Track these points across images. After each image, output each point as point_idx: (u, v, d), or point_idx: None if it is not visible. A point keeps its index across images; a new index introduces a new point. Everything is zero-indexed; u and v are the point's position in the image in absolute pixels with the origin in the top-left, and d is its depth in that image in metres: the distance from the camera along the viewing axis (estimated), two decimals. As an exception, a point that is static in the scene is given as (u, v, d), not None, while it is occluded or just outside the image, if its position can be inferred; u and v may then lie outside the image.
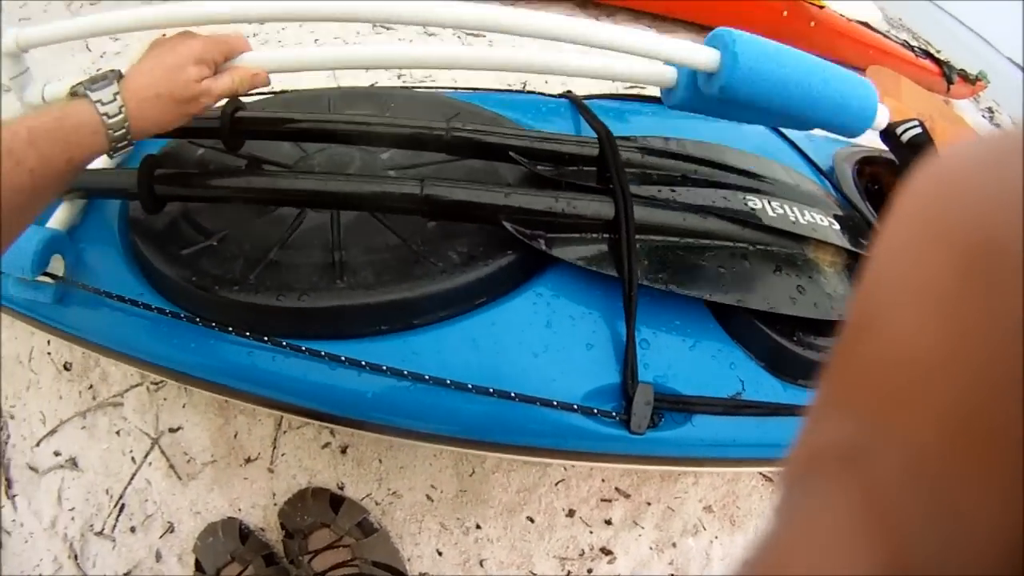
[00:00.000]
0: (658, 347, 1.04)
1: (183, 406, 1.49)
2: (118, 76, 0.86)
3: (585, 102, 1.48)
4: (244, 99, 1.21)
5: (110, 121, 0.83)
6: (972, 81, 4.66)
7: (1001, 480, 0.20)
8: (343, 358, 0.95)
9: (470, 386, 0.93)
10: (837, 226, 1.26)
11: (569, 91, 1.57)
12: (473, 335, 1.00)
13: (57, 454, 1.44)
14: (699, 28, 3.59)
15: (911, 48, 4.33)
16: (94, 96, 0.82)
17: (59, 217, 1.17)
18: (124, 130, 0.84)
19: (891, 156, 1.64)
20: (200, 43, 0.92)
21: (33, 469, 1.43)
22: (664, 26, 3.52)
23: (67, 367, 1.56)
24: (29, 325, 1.23)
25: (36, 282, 1.09)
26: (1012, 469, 0.20)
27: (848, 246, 1.24)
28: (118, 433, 1.47)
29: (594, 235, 1.07)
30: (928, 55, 4.45)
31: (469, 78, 2.12)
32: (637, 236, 1.05)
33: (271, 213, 1.13)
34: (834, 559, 0.25)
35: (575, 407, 0.95)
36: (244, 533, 1.34)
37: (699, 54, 0.98)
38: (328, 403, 1.02)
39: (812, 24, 3.61)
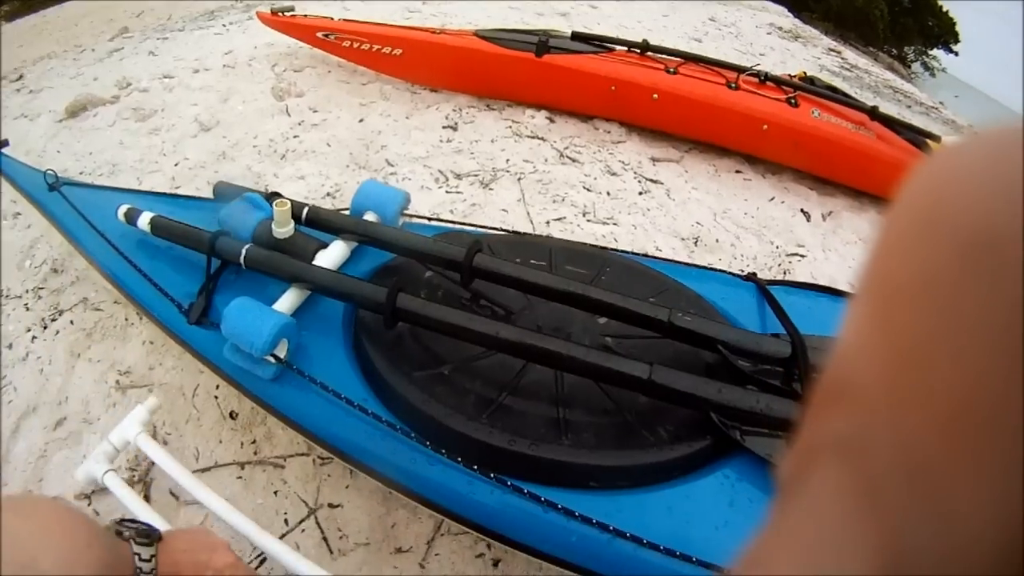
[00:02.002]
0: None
1: (346, 487, 1.58)
2: (158, 537, 0.86)
3: (770, 288, 1.61)
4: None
5: None
6: None
7: (995, 472, 0.21)
8: (559, 506, 1.09)
9: (662, 547, 1.06)
10: None
11: (753, 273, 1.70)
12: (669, 503, 1.14)
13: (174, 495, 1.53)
14: (855, 193, 3.66)
15: None
16: (136, 548, 0.82)
17: (287, 302, 1.32)
18: None
19: None
20: (234, 558, 0.95)
21: (175, 496, 1.53)
22: (826, 188, 3.61)
23: (232, 415, 1.69)
24: (235, 390, 1.36)
25: (260, 359, 1.23)
26: (1007, 462, 0.21)
27: None
28: (276, 493, 1.56)
29: (782, 432, 1.20)
30: None
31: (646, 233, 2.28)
32: None
33: (496, 355, 1.28)
34: (829, 551, 0.27)
35: None
36: None
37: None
38: (535, 539, 1.15)
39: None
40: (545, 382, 1.25)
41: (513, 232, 1.71)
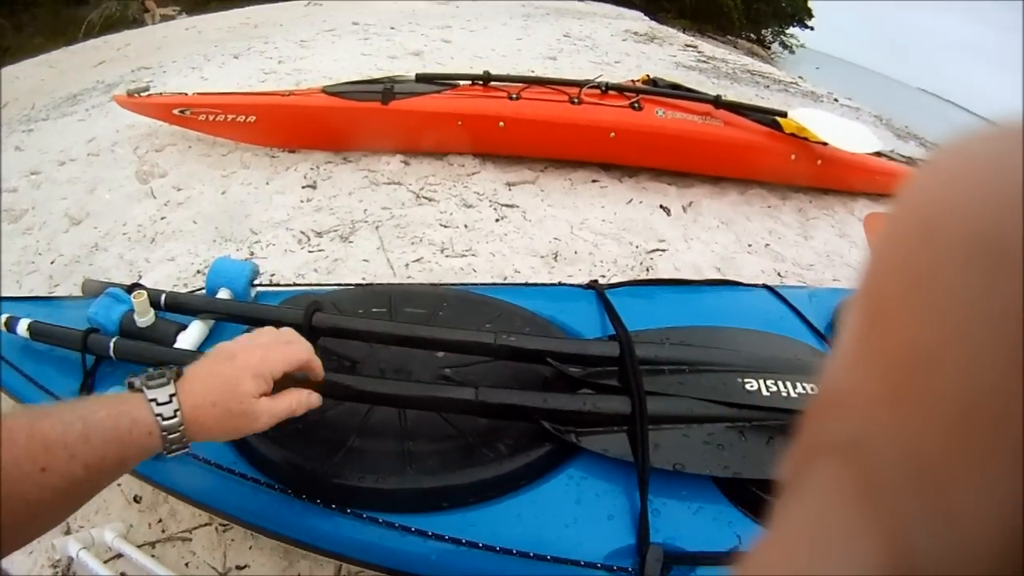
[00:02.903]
0: (667, 514, 1.25)
1: (249, 548, 1.63)
2: (176, 375, 0.87)
3: (608, 292, 1.71)
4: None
5: (164, 423, 0.82)
6: None
7: (997, 473, 0.21)
8: (413, 529, 1.17)
9: (515, 551, 1.15)
10: None
11: (595, 281, 1.80)
12: (518, 511, 1.22)
13: None
14: (714, 180, 3.84)
15: (915, 164, 4.43)
16: (150, 394, 0.82)
17: None
18: (179, 433, 0.83)
19: None
20: (260, 356, 0.95)
21: None
22: (684, 180, 3.76)
23: (136, 500, 1.72)
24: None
25: None
26: (1009, 463, 0.21)
27: None
28: (187, 565, 1.60)
29: (615, 428, 1.28)
30: None
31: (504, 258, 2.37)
32: (650, 427, 1.27)
33: (343, 404, 1.34)
34: (833, 552, 0.26)
35: (598, 565, 1.16)
36: None
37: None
38: (399, 563, 1.21)
39: (819, 162, 3.75)
40: (390, 420, 1.33)
41: (358, 285, 1.77)
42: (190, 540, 1.65)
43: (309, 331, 1.39)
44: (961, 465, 0.22)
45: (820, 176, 3.94)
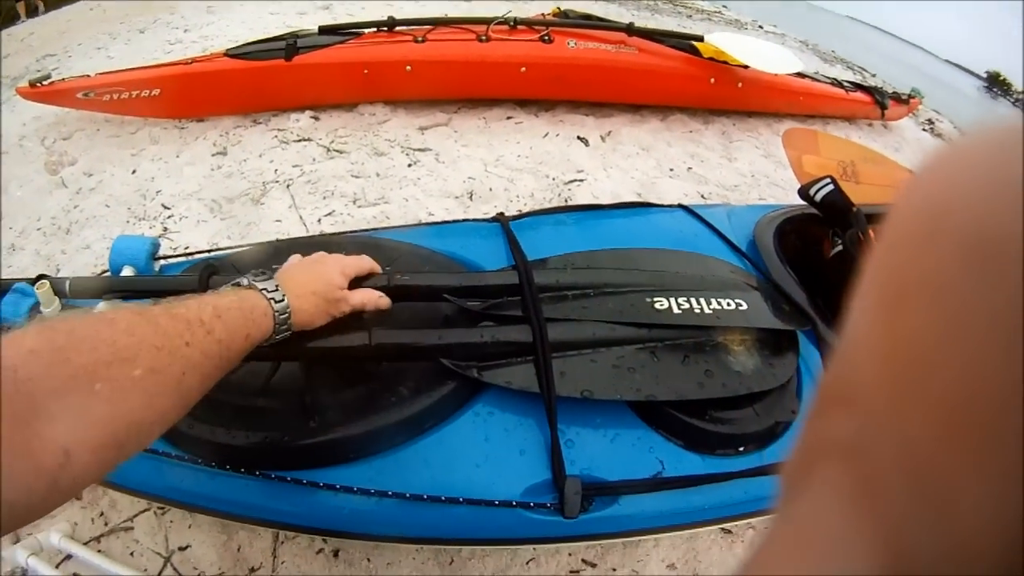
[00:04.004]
0: (582, 444, 1.22)
1: (189, 526, 1.60)
2: (271, 275, 1.02)
3: (513, 223, 1.66)
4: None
5: (277, 306, 0.95)
6: (905, 100, 4.78)
7: (996, 474, 0.21)
8: (321, 484, 1.13)
9: (425, 496, 1.12)
10: (745, 306, 1.42)
11: (501, 213, 1.75)
12: (425, 455, 1.18)
13: None
14: (634, 108, 3.81)
15: (840, 84, 4.46)
16: (261, 285, 0.96)
17: None
18: (287, 315, 0.97)
19: (814, 211, 1.82)
20: (341, 259, 1.14)
21: None
22: (602, 110, 3.72)
23: (77, 497, 1.65)
24: None
25: None
26: (1007, 463, 0.21)
27: (754, 324, 1.40)
28: (132, 554, 1.57)
29: (518, 359, 1.25)
30: (859, 87, 4.60)
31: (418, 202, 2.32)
32: (554, 354, 1.24)
33: (249, 363, 1.31)
34: (832, 554, 0.27)
35: (514, 503, 1.13)
36: None
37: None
38: (316, 521, 1.19)
39: (740, 85, 3.74)
40: (292, 376, 1.27)
41: (259, 243, 1.70)
42: (132, 529, 1.61)
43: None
44: (959, 465, 0.22)
45: (742, 99, 3.94)
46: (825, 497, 0.28)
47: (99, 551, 1.56)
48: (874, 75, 6.78)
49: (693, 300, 1.39)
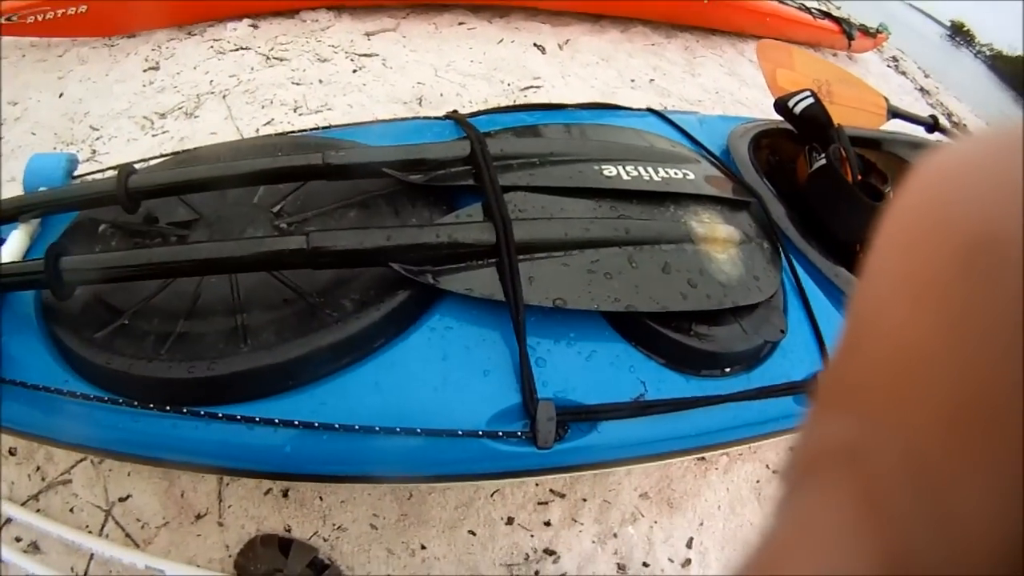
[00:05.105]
0: (555, 363, 1.09)
1: (128, 475, 1.51)
2: None
3: (470, 120, 1.51)
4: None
5: None
6: (873, 34, 4.82)
7: (997, 474, 0.21)
8: (257, 419, 0.98)
9: (378, 428, 0.97)
10: (692, 176, 1.38)
11: (454, 111, 1.61)
12: (375, 379, 1.04)
13: (18, 540, 1.44)
14: (593, 18, 3.66)
15: (808, 11, 4.44)
16: None
17: None
18: None
19: (788, 126, 1.74)
20: None
21: None
22: (560, 19, 3.58)
23: (12, 452, 1.57)
24: None
25: None
26: (1008, 463, 0.21)
27: (703, 192, 1.36)
28: (71, 510, 1.49)
29: (479, 262, 1.11)
30: (827, 15, 4.58)
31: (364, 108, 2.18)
32: (520, 257, 1.10)
33: (175, 282, 1.15)
34: (833, 557, 0.26)
35: (479, 433, 0.99)
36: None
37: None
38: (254, 463, 1.04)
39: (706, 1, 3.67)
40: (223, 292, 1.13)
41: (174, 152, 1.55)
42: (70, 482, 1.53)
43: (126, 196, 1.18)
44: (960, 467, 0.22)
45: (708, 16, 3.88)
46: (826, 497, 0.27)
47: (38, 510, 1.49)
48: (839, 7, 6.77)
49: (641, 168, 1.35)
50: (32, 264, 1.09)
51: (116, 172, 1.19)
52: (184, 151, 1.55)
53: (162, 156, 1.53)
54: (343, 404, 1.01)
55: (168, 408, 1.00)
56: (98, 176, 1.54)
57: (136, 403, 1.01)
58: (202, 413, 1.00)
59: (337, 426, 0.97)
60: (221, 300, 1.12)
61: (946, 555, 0.22)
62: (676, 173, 1.37)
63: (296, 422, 0.98)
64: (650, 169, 1.34)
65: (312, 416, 0.98)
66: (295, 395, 1.02)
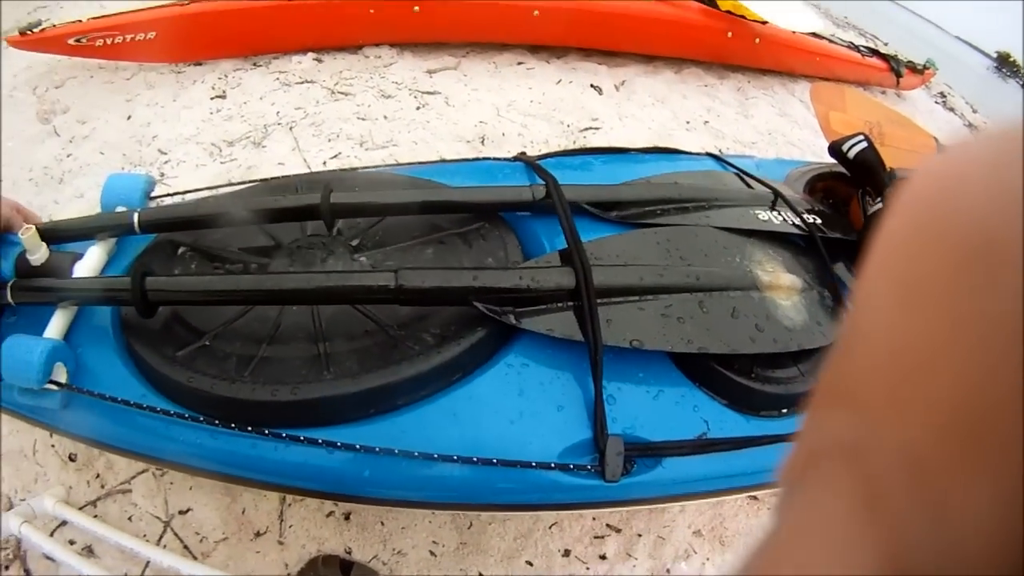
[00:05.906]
0: (624, 401, 1.12)
1: (190, 488, 1.53)
2: None
3: (539, 163, 1.55)
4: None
5: None
6: (920, 71, 4.75)
7: (995, 474, 0.21)
8: (339, 444, 1.02)
9: (455, 457, 1.01)
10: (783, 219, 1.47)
11: (523, 152, 1.65)
12: (453, 410, 1.08)
13: (72, 543, 1.47)
14: (647, 59, 3.69)
15: (857, 49, 4.41)
16: None
17: (55, 326, 1.21)
18: None
19: (841, 169, 1.76)
20: None
21: (50, 559, 1.45)
22: (615, 60, 3.61)
23: (72, 458, 1.60)
24: (36, 427, 1.26)
25: (42, 390, 1.13)
26: (1007, 463, 0.21)
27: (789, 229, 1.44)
28: (130, 519, 1.51)
29: (559, 304, 1.14)
30: (875, 52, 4.54)
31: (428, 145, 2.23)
32: (599, 300, 1.13)
33: (255, 308, 1.20)
34: (832, 555, 0.26)
35: (552, 465, 1.03)
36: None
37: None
38: (330, 484, 1.08)
39: (757, 41, 3.67)
40: (303, 321, 1.18)
41: (258, 181, 1.60)
42: (130, 491, 1.55)
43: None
44: (959, 467, 0.22)
45: (758, 55, 3.88)
46: (825, 497, 0.28)
47: (95, 516, 1.51)
48: (886, 43, 6.72)
49: (771, 213, 1.46)
50: (118, 281, 1.14)
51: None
52: (257, 181, 1.61)
53: (231, 185, 1.59)
54: (422, 432, 1.05)
55: (249, 428, 1.04)
56: (171, 200, 1.61)
57: (217, 422, 1.05)
58: (284, 435, 1.03)
59: (416, 454, 1.01)
60: (302, 328, 1.16)
61: (944, 554, 0.23)
62: (776, 218, 1.45)
63: (377, 448, 1.01)
64: (772, 214, 1.43)
65: (392, 443, 1.02)
66: (375, 422, 1.06)
